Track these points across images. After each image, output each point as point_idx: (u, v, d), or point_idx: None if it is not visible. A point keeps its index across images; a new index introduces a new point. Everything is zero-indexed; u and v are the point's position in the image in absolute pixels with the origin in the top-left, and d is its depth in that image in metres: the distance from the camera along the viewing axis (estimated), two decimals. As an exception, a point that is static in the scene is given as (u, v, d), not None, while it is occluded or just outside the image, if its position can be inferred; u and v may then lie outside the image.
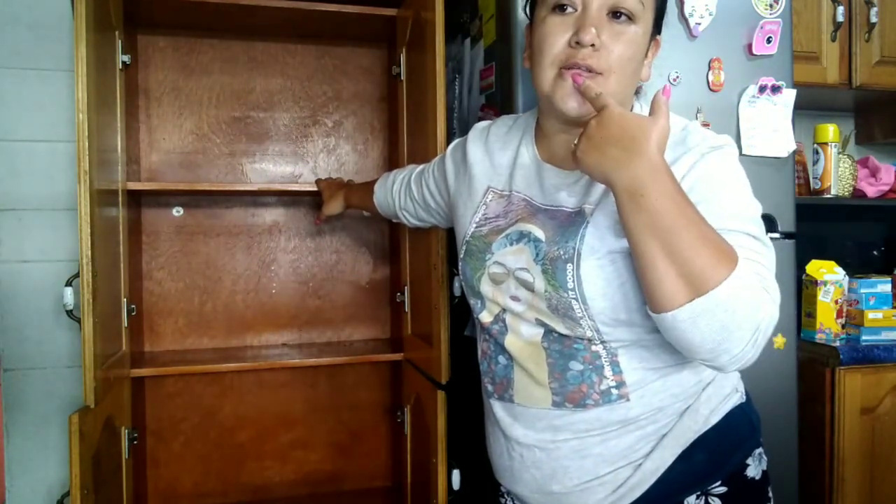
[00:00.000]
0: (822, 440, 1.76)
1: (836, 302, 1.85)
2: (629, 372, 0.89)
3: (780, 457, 1.57)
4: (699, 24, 1.51)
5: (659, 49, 0.97)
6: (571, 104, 0.88)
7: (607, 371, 0.89)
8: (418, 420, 1.64)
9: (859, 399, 1.76)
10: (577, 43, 0.87)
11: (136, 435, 1.64)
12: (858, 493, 1.77)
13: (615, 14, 0.88)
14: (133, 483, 1.64)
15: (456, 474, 1.43)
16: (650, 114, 0.76)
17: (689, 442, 0.91)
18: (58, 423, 1.83)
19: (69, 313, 1.46)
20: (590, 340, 0.89)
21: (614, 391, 0.89)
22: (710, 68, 1.54)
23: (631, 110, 0.96)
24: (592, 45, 0.87)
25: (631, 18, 0.88)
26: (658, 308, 0.75)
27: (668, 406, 0.91)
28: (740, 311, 0.72)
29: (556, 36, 0.89)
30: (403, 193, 1.35)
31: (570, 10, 0.89)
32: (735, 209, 0.83)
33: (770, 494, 0.98)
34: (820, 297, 1.84)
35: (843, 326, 1.86)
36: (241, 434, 1.96)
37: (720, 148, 0.87)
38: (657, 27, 0.94)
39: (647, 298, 0.77)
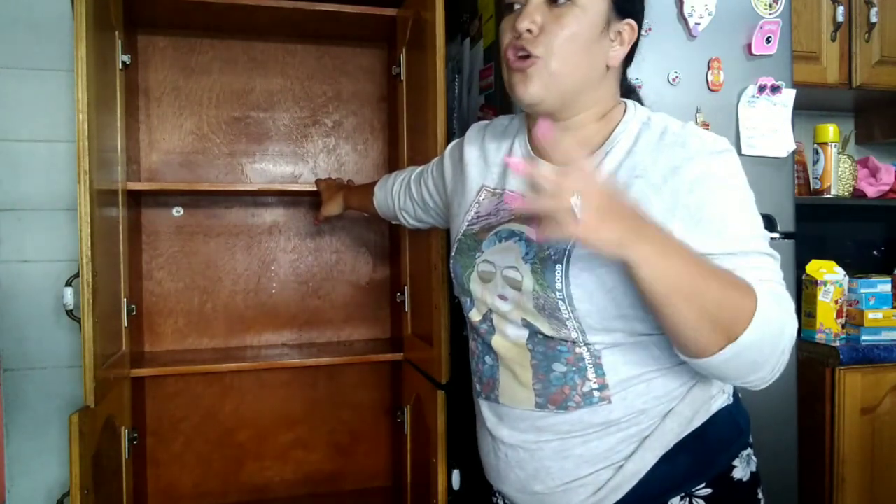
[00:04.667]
0: (822, 440, 1.76)
1: (836, 302, 1.85)
2: (612, 374, 0.89)
3: (780, 457, 1.57)
4: (698, 23, 1.51)
5: (634, 35, 0.94)
6: (520, 93, 0.92)
7: (590, 373, 0.89)
8: (418, 420, 1.64)
9: (859, 399, 1.76)
10: (517, 31, 0.90)
11: (136, 435, 1.64)
12: (858, 493, 1.77)
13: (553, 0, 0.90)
14: (133, 483, 1.64)
15: (456, 474, 1.43)
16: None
17: (672, 444, 0.91)
18: (58, 423, 1.83)
19: (69, 313, 1.47)
20: (574, 342, 0.89)
21: (596, 393, 0.89)
22: (709, 68, 1.54)
23: (624, 113, 0.95)
24: (529, 31, 0.90)
25: (570, 1, 0.89)
26: (690, 356, 0.80)
27: (651, 408, 0.90)
28: (768, 345, 0.79)
29: (505, 32, 0.94)
30: (403, 194, 1.35)
31: (517, 6, 0.93)
32: (746, 228, 0.85)
33: (760, 496, 0.97)
34: (820, 297, 1.84)
35: (843, 326, 1.86)
36: (241, 434, 1.96)
37: (721, 153, 0.87)
38: (622, 11, 0.92)
39: (677, 347, 0.81)
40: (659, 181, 0.86)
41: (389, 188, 1.41)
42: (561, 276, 0.86)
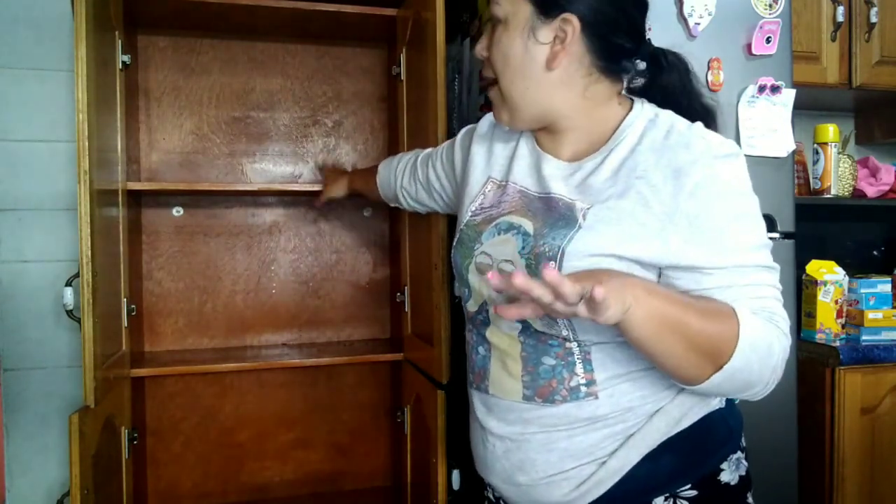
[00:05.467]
0: (822, 440, 1.76)
1: (836, 302, 1.85)
2: (600, 370, 0.89)
3: (780, 457, 1.57)
4: (698, 23, 1.51)
5: (576, 27, 0.88)
6: (496, 117, 0.99)
7: (578, 368, 0.90)
8: (418, 420, 1.64)
9: (859, 399, 1.76)
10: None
11: (136, 435, 1.64)
12: (858, 493, 1.77)
13: (493, 20, 0.94)
14: (133, 483, 1.64)
15: (456, 474, 1.43)
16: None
17: (657, 443, 0.90)
18: (58, 423, 1.83)
19: (69, 313, 1.47)
20: (565, 338, 0.89)
21: (583, 388, 0.89)
22: (709, 68, 1.54)
23: (630, 109, 0.95)
24: (485, 56, 0.96)
25: (499, 20, 0.93)
26: (682, 384, 0.85)
27: (638, 406, 0.90)
28: (756, 366, 0.81)
29: None
30: (408, 173, 1.35)
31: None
32: (746, 239, 0.85)
33: (750, 501, 0.97)
34: (820, 297, 1.84)
35: (843, 326, 1.86)
36: (241, 434, 1.96)
37: (727, 157, 0.86)
38: (550, 11, 0.89)
39: (669, 377, 0.86)
40: (659, 183, 0.85)
41: (394, 166, 1.41)
42: None
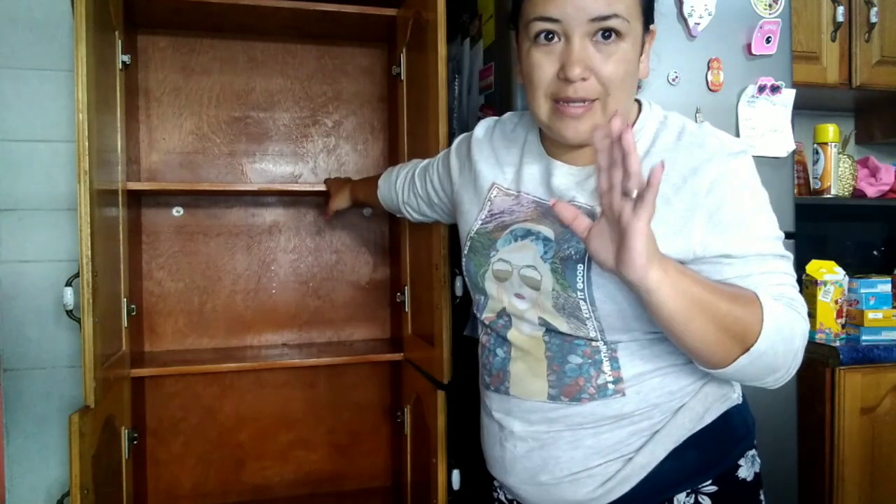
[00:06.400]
0: (822, 440, 1.76)
1: (836, 302, 1.85)
2: (627, 368, 0.89)
3: (780, 456, 1.57)
4: (698, 23, 1.51)
5: (654, 38, 0.95)
6: (570, 136, 0.89)
7: (606, 366, 0.90)
8: (418, 420, 1.64)
9: (859, 399, 1.76)
10: (566, 78, 0.86)
11: (136, 435, 1.64)
12: (858, 492, 1.77)
13: (604, 34, 0.86)
14: (133, 483, 1.64)
15: (456, 474, 1.43)
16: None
17: (682, 439, 0.91)
18: (58, 423, 1.83)
19: (69, 313, 1.46)
20: (592, 339, 0.89)
21: (611, 386, 0.90)
22: (709, 68, 1.54)
23: (639, 112, 0.95)
24: (583, 78, 0.86)
25: (619, 35, 0.86)
26: (709, 368, 0.84)
27: (664, 403, 0.91)
28: (781, 348, 0.82)
29: (544, 69, 0.88)
30: (407, 188, 1.35)
31: (554, 39, 0.87)
32: (763, 230, 0.88)
33: (762, 498, 0.98)
34: (820, 297, 1.84)
35: (843, 326, 1.86)
36: (241, 434, 1.96)
37: (738, 154, 0.88)
38: (648, 19, 0.92)
39: (695, 360, 0.84)
40: (678, 181, 0.87)
41: (393, 182, 1.40)
42: (583, 276, 0.86)
